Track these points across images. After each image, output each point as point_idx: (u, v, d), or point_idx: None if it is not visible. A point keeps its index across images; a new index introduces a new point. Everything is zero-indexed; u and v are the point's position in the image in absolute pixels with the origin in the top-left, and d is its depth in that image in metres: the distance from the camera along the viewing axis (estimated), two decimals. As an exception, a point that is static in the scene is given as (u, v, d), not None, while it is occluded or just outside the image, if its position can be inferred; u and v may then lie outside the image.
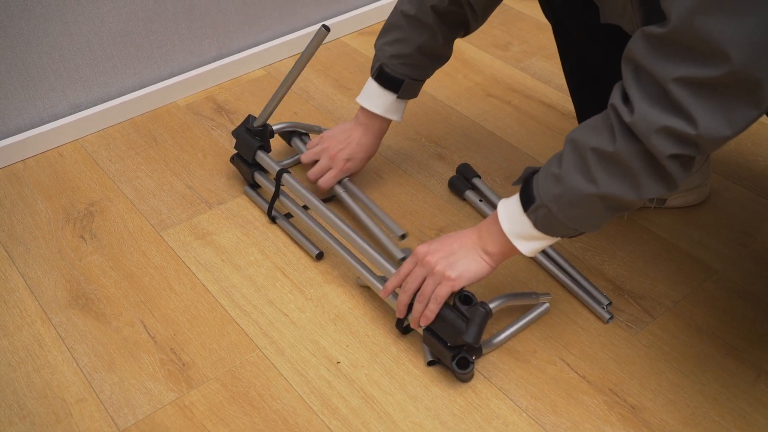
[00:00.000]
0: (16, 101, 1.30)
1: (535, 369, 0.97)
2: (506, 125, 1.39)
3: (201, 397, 0.94)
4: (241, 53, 1.54)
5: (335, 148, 1.18)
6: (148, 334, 1.02)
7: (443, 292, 0.90)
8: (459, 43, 1.63)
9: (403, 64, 1.11)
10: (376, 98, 1.14)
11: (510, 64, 1.57)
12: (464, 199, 1.22)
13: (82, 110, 1.38)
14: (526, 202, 0.84)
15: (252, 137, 1.21)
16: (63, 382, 0.96)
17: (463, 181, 1.23)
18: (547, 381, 0.96)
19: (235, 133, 1.23)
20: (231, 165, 1.30)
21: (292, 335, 1.02)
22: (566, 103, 1.45)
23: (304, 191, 1.12)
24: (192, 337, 1.02)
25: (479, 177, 1.23)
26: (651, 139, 0.73)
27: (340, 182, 1.20)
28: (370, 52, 1.61)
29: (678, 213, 1.19)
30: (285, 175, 1.16)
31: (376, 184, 1.26)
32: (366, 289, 1.08)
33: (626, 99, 0.75)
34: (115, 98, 1.41)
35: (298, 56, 1.59)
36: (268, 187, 1.19)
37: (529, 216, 0.84)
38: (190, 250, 1.15)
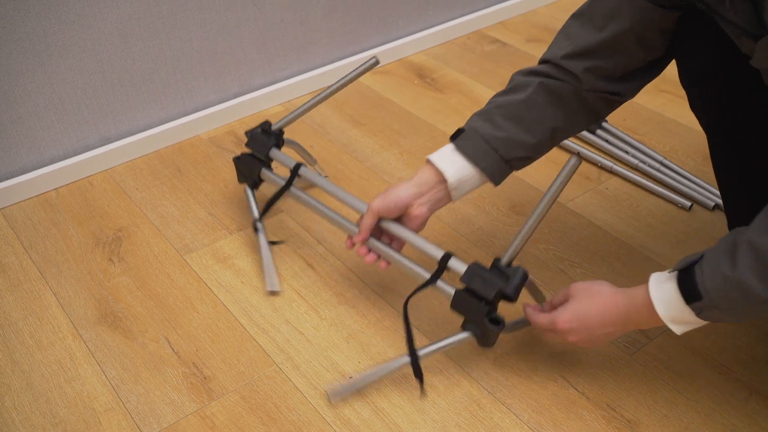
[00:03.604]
0: (52, 133, 1.39)
1: (537, 385, 1.03)
2: (512, 159, 1.46)
3: (221, 408, 1.01)
4: (260, 90, 1.63)
5: None
6: (172, 349, 1.09)
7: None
8: (468, 82, 1.72)
9: (479, 117, 1.02)
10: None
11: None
12: None
13: (112, 142, 1.47)
14: (690, 297, 0.82)
15: (268, 137, 1.27)
16: (92, 393, 1.03)
17: None
18: (548, 396, 1.01)
19: (249, 133, 1.28)
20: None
21: (308, 352, 1.08)
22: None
23: (323, 182, 1.17)
24: (213, 352, 1.08)
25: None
26: None
27: None
28: (383, 90, 1.70)
29: (676, 243, 1.25)
30: (302, 168, 1.20)
31: (388, 213, 1.33)
32: (377, 310, 1.14)
33: None
34: (142, 131, 1.50)
35: (314, 94, 1.68)
36: (275, 182, 1.23)
37: (692, 308, 0.82)
38: (212, 272, 1.22)
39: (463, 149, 1.00)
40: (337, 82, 1.24)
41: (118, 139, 1.48)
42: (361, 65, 1.18)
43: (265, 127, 1.28)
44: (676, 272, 0.84)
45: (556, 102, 0.99)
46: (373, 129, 1.57)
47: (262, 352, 1.08)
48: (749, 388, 1.02)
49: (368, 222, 1.04)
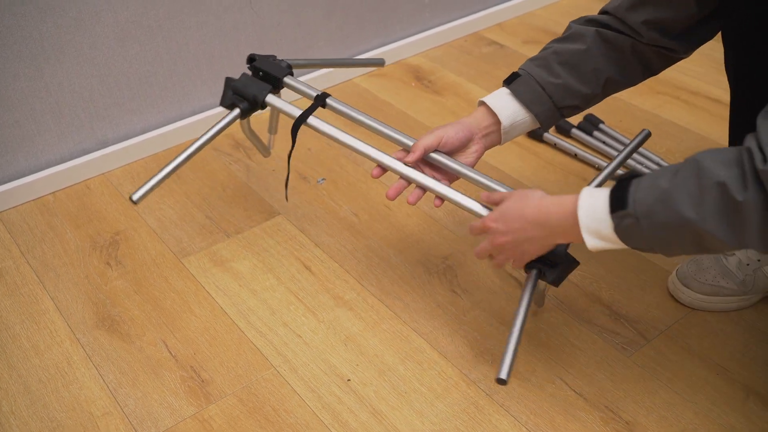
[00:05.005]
0: (49, 137, 1.39)
1: (535, 387, 1.03)
2: (509, 160, 1.46)
3: (219, 411, 1.00)
4: (258, 93, 1.63)
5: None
6: (170, 353, 1.09)
7: (508, 264, 0.94)
8: (465, 84, 1.72)
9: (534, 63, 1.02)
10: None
11: (513, 103, 1.65)
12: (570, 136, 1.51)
13: (109, 146, 1.47)
14: (616, 205, 0.79)
15: (280, 64, 1.15)
16: (90, 397, 1.03)
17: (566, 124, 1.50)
18: (546, 398, 1.01)
19: (256, 55, 1.15)
20: (248, 197, 1.38)
21: (305, 355, 1.08)
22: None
23: (352, 112, 1.10)
24: (211, 356, 1.08)
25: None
26: None
27: None
28: (379, 92, 1.70)
29: (672, 242, 1.25)
30: (329, 99, 1.11)
31: (385, 215, 1.33)
32: (375, 312, 1.14)
33: (761, 146, 0.70)
34: (139, 135, 1.50)
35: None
36: (284, 111, 1.11)
37: (613, 219, 0.79)
38: (210, 276, 1.22)
39: (518, 94, 1.01)
40: (339, 62, 1.30)
41: (116, 143, 1.48)
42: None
43: (273, 58, 1.16)
44: (614, 180, 0.82)
45: (612, 54, 1.00)
46: (370, 132, 1.56)
47: (259, 355, 1.08)
48: (747, 388, 1.02)
49: (427, 143, 1.00)
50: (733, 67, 1.00)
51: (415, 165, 1.02)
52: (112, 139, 1.48)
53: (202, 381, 1.04)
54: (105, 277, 1.22)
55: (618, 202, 0.78)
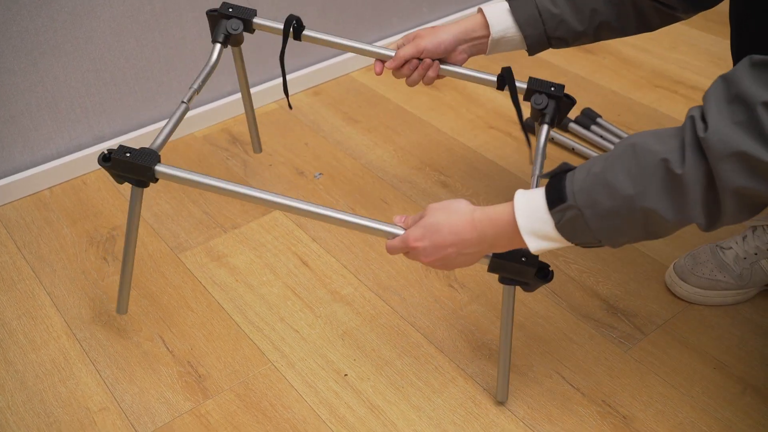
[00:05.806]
0: (45, 132, 1.39)
1: (532, 381, 1.03)
2: (506, 155, 1.46)
3: (216, 406, 1.00)
4: (255, 87, 1.62)
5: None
6: (167, 348, 1.09)
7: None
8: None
9: None
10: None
11: (510, 98, 1.64)
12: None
13: (106, 141, 1.47)
14: (554, 200, 0.76)
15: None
16: (87, 392, 1.03)
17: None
18: (543, 392, 1.01)
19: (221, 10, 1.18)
20: (245, 192, 1.37)
21: (302, 350, 1.08)
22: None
23: (329, 37, 1.16)
24: (208, 351, 1.08)
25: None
26: (721, 162, 0.66)
27: None
28: (377, 87, 1.69)
29: (669, 238, 1.25)
30: (307, 31, 1.16)
31: (383, 210, 1.33)
32: (372, 307, 1.14)
33: (704, 115, 0.68)
34: (136, 129, 1.50)
35: (308, 91, 1.68)
36: (176, 178, 0.96)
37: (553, 215, 0.76)
38: (206, 271, 1.22)
39: (515, 12, 1.05)
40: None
41: (112, 138, 1.48)
42: None
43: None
44: (548, 177, 0.79)
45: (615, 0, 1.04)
46: (367, 126, 1.56)
47: (256, 350, 1.08)
48: (743, 382, 1.02)
49: (408, 52, 1.08)
50: (737, 48, 1.00)
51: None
52: (109, 134, 1.47)
53: (199, 376, 1.04)
54: (102, 273, 1.21)
55: (556, 197, 0.76)
